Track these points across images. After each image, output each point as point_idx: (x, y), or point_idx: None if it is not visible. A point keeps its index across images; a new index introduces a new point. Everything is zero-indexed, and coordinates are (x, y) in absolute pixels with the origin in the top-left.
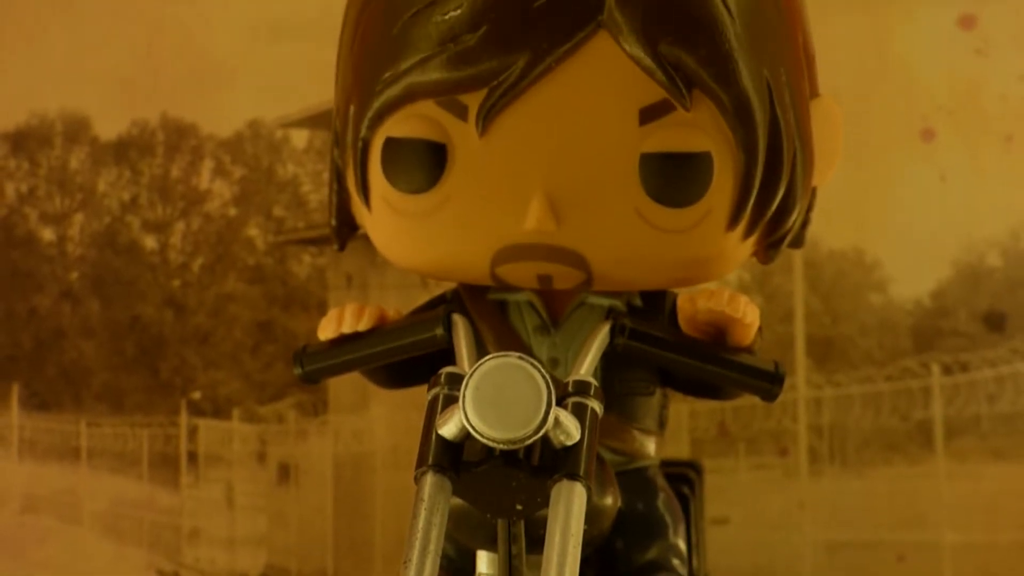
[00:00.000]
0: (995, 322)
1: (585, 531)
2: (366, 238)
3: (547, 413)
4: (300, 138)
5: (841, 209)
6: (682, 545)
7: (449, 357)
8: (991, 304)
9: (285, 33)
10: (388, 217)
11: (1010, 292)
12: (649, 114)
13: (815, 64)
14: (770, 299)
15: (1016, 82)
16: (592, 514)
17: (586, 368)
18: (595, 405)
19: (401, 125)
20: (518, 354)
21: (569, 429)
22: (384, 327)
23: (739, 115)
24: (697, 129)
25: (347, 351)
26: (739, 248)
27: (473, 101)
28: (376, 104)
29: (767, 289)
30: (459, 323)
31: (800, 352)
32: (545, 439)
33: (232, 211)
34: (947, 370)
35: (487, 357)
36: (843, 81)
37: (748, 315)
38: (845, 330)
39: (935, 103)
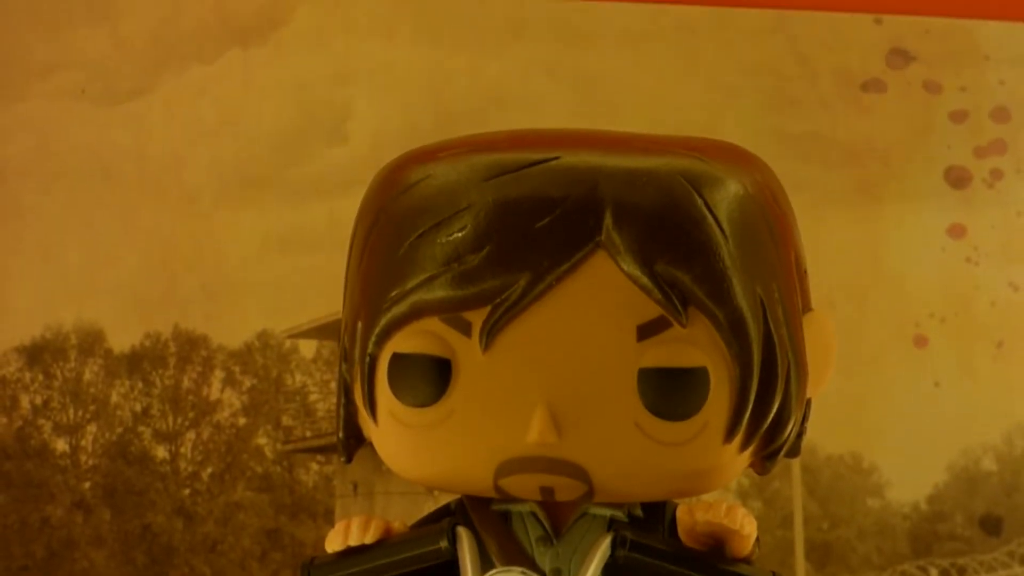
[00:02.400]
0: (991, 526)
1: None
2: (371, 446)
3: None
4: (308, 348)
5: (838, 415)
6: None
7: (454, 569)
8: (987, 508)
9: (294, 247)
10: (394, 430)
11: (1006, 496)
12: (646, 330)
13: (807, 279)
14: (769, 504)
15: (1006, 289)
16: None
17: None
18: None
19: (407, 341)
20: (521, 568)
21: None
22: (389, 540)
23: (734, 331)
24: (693, 345)
25: (353, 563)
26: (736, 460)
27: (477, 318)
28: (383, 321)
29: (766, 494)
30: (463, 536)
31: (799, 556)
32: None
33: (241, 420)
34: (945, 574)
35: (491, 572)
36: (837, 290)
37: (746, 527)
38: (843, 534)
39: (927, 310)
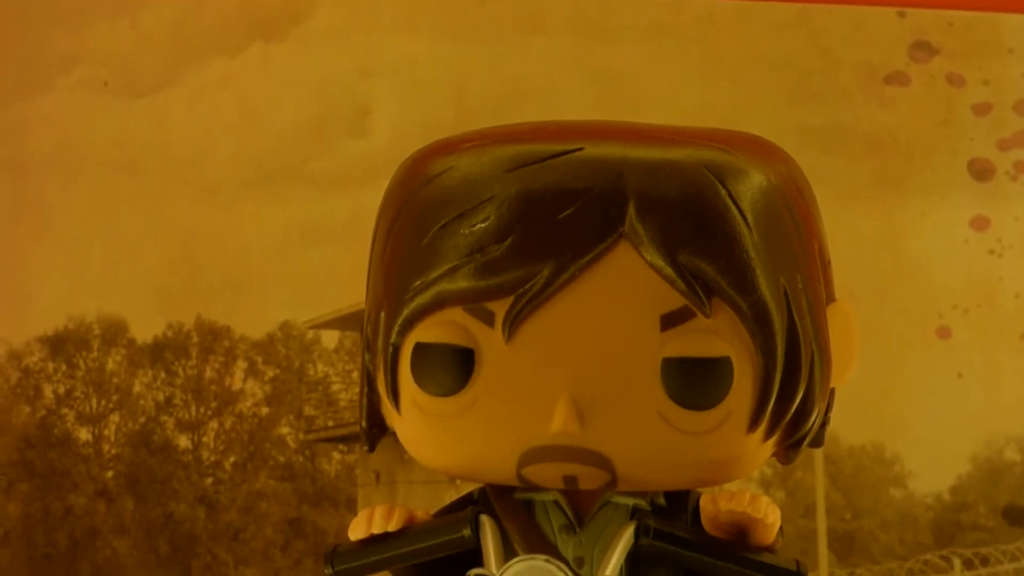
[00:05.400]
0: (1015, 516)
1: None
2: (393, 435)
3: None
4: (330, 339)
5: (860, 406)
6: None
7: (477, 557)
8: (1010, 498)
9: (315, 239)
10: (417, 419)
11: None
12: (670, 320)
13: (831, 270)
14: (792, 494)
15: None
16: None
17: (611, 569)
18: None
19: (430, 331)
20: (544, 556)
21: None
22: (413, 528)
23: (757, 321)
24: (717, 335)
25: (377, 551)
26: (760, 449)
27: (500, 308)
28: (406, 311)
29: (789, 484)
30: (486, 524)
31: (822, 546)
32: None
33: (264, 410)
34: (968, 564)
35: (514, 560)
36: (861, 282)
37: (769, 515)
38: (866, 524)
39: (951, 302)
